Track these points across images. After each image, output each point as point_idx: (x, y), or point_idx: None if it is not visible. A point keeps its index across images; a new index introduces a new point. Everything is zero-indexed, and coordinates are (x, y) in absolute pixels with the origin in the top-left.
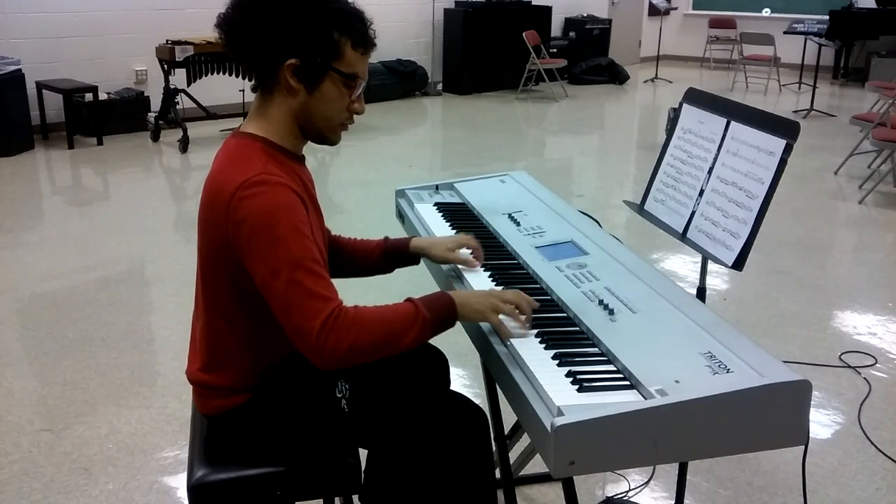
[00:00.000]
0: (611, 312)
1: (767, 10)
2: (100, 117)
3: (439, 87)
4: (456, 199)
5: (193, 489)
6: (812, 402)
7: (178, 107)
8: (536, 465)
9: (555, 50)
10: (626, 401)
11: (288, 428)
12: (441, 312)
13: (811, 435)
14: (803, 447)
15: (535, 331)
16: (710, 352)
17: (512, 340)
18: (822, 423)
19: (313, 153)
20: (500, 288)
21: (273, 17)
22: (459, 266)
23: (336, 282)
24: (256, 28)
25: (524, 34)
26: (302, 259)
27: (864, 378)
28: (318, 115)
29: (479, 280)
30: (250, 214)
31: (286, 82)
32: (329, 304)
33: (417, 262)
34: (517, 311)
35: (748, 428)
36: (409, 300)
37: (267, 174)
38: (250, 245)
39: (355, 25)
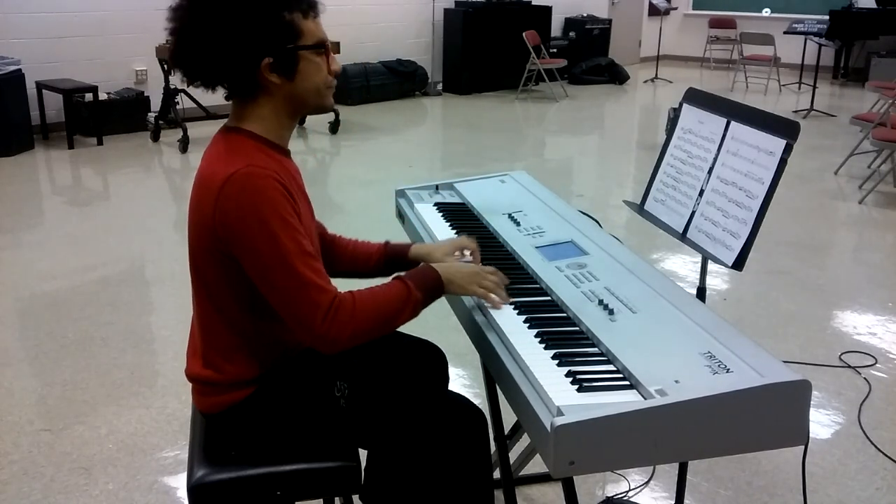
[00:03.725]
0: (611, 312)
1: (767, 10)
2: (100, 117)
3: (439, 87)
4: (456, 199)
5: (193, 489)
6: (812, 402)
7: (178, 107)
8: (536, 465)
9: (555, 50)
10: (625, 401)
11: (286, 426)
12: (430, 291)
13: (811, 435)
14: (803, 447)
15: (535, 331)
16: (709, 352)
17: (512, 340)
18: (822, 423)
19: (313, 153)
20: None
21: (230, 33)
22: None
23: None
24: (220, 49)
25: (524, 34)
26: (295, 251)
27: (864, 378)
28: (308, 91)
29: None
30: (238, 209)
31: (266, 82)
32: (327, 294)
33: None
34: (498, 286)
35: (748, 428)
36: (399, 279)
37: (254, 166)
38: (241, 240)
39: None
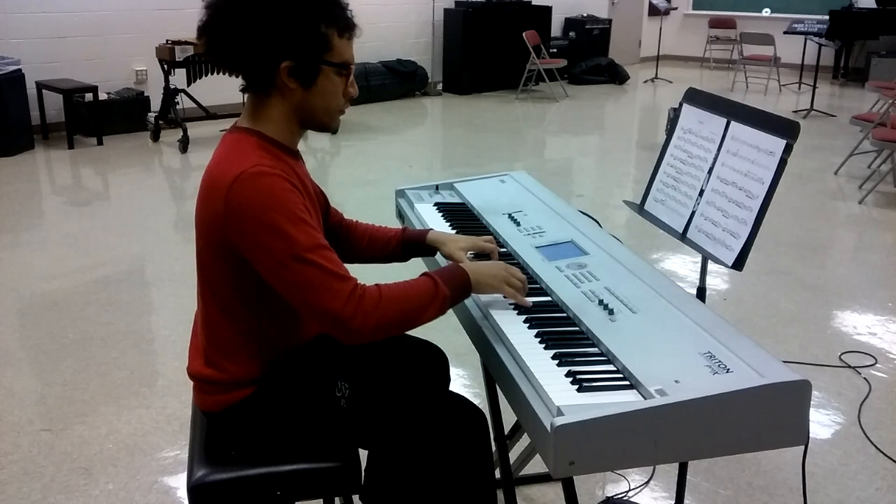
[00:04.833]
0: (611, 312)
1: (767, 10)
2: (100, 117)
3: (439, 87)
4: (456, 199)
5: (193, 489)
6: (812, 402)
7: (178, 107)
8: (536, 465)
9: (555, 50)
10: (625, 401)
11: (287, 426)
12: (458, 287)
13: (811, 435)
14: (803, 447)
15: (535, 331)
16: (709, 352)
17: (512, 340)
18: (822, 423)
19: (313, 153)
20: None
21: (263, 23)
22: None
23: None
24: (247, 35)
25: (524, 34)
26: (309, 245)
27: (864, 378)
28: (318, 107)
29: None
30: (248, 208)
31: (282, 83)
32: (347, 282)
33: (434, 254)
34: (525, 286)
35: (748, 428)
36: (426, 275)
37: (262, 165)
38: (252, 238)
39: (337, 13)
